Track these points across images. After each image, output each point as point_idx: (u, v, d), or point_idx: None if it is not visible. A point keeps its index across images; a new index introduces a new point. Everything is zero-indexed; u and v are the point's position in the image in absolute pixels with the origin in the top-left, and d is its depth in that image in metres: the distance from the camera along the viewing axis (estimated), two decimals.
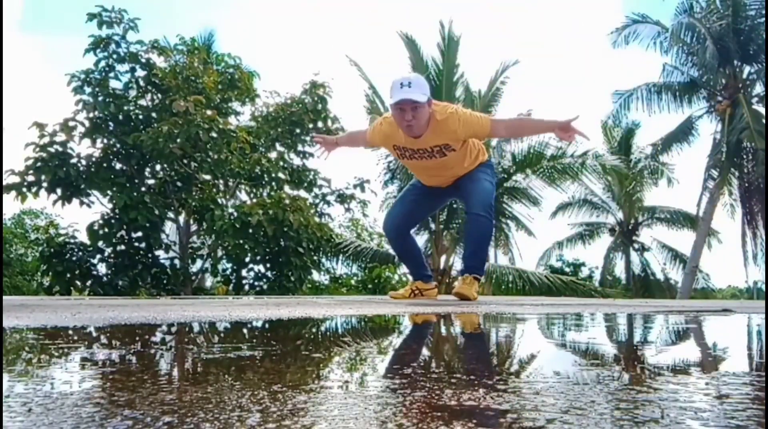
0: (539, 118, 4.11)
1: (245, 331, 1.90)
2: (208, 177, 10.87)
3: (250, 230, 9.66)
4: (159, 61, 10.73)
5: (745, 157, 18.40)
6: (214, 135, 9.64)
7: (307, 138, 11.54)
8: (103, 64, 10.28)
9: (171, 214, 11.04)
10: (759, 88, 18.11)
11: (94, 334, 1.74)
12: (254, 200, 10.93)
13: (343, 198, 11.57)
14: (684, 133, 19.27)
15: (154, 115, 10.51)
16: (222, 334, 1.80)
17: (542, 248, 24.04)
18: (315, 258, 10.81)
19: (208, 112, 9.74)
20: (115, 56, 10.31)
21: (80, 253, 10.31)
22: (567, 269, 23.55)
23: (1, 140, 7.03)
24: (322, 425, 0.66)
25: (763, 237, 18.55)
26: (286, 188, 11.22)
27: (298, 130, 11.42)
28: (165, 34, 28.99)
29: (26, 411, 0.72)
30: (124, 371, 1.07)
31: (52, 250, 10.27)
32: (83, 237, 10.40)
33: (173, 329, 1.90)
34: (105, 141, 10.39)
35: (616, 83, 52.40)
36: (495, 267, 13.76)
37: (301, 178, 11.55)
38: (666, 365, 1.18)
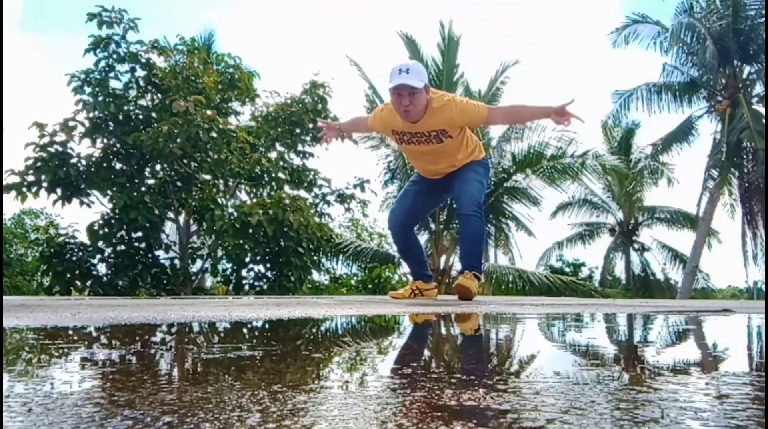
0: (535, 105, 4.12)
1: (245, 331, 1.90)
2: (208, 177, 10.87)
3: (250, 230, 9.66)
4: (159, 61, 10.73)
5: (745, 157, 18.40)
6: (214, 135, 9.64)
7: (307, 138, 11.54)
8: (103, 64, 10.28)
9: (171, 214, 11.03)
10: (759, 88, 18.11)
11: (94, 334, 1.74)
12: (254, 200, 10.93)
13: (343, 198, 11.57)
14: (684, 133, 19.27)
15: (154, 115, 10.50)
16: (222, 334, 1.80)
17: (542, 248, 24.07)
18: (315, 258, 10.81)
19: (208, 112, 9.74)
20: (115, 56, 10.30)
21: (80, 253, 10.31)
22: (567, 269, 23.54)
23: (1, 140, 7.04)
24: (322, 425, 0.66)
25: (763, 237, 18.56)
26: (286, 188, 11.21)
27: (298, 130, 11.42)
28: (165, 34, 29.02)
29: (26, 411, 0.72)
30: (124, 371, 1.07)
31: (52, 250, 10.27)
32: (83, 237, 10.41)
33: (173, 329, 1.90)
34: (105, 141, 10.38)
35: (616, 83, 52.46)
36: (495, 267, 13.76)
37: (301, 178, 11.55)
38: (666, 365, 1.18)
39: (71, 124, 9.97)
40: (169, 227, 12.00)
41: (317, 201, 11.56)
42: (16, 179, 9.51)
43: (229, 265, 11.05)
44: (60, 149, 9.83)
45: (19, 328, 1.76)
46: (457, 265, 12.60)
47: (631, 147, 21.43)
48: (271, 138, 11.40)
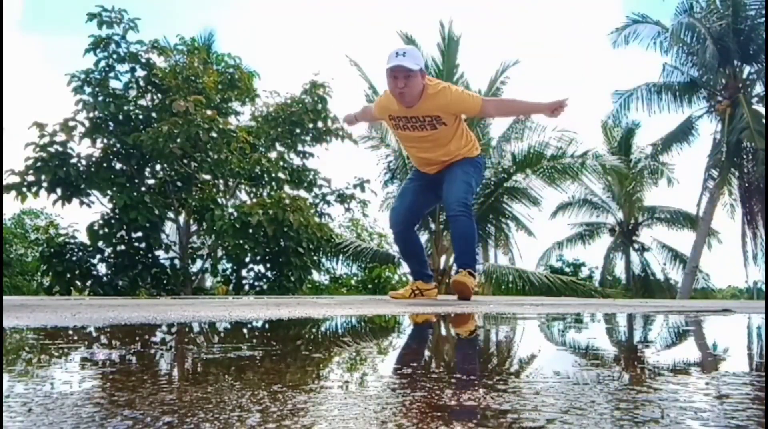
0: (529, 101, 4.19)
1: (245, 331, 1.90)
2: (208, 177, 10.86)
3: (250, 230, 9.65)
4: (159, 61, 10.72)
5: (745, 157, 18.40)
6: (214, 135, 9.63)
7: (307, 138, 11.53)
8: (103, 64, 10.27)
9: (171, 214, 11.03)
10: (759, 88, 18.11)
11: (94, 334, 1.74)
12: (254, 200, 10.92)
13: (343, 198, 11.56)
14: (684, 133, 19.27)
15: (154, 115, 10.50)
16: (222, 334, 1.80)
17: (542, 248, 24.08)
18: (315, 258, 10.80)
19: (208, 112, 9.73)
20: (115, 56, 10.29)
21: (80, 253, 10.30)
22: (567, 269, 23.56)
23: (1, 140, 7.04)
24: (322, 425, 0.66)
25: (763, 237, 18.56)
26: (286, 188, 11.20)
27: (298, 130, 11.41)
28: (165, 34, 29.02)
29: (26, 411, 0.72)
30: (124, 371, 1.07)
31: (52, 250, 10.26)
32: (83, 237, 10.40)
33: (173, 329, 1.90)
34: (105, 141, 10.37)
35: (616, 83, 52.48)
36: (495, 267, 13.75)
37: (301, 178, 11.54)
38: (666, 365, 1.18)
39: (71, 124, 9.96)
40: (169, 227, 12.00)
41: (317, 201, 11.56)
42: (16, 179, 9.51)
43: (229, 265, 11.04)
44: (60, 149, 9.82)
45: (19, 328, 1.76)
46: None
47: (631, 147, 21.43)
48: (271, 138, 11.39)
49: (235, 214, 9.76)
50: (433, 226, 13.08)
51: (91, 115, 10.09)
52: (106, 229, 10.12)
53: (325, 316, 2.30)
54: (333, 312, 2.51)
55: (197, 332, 1.84)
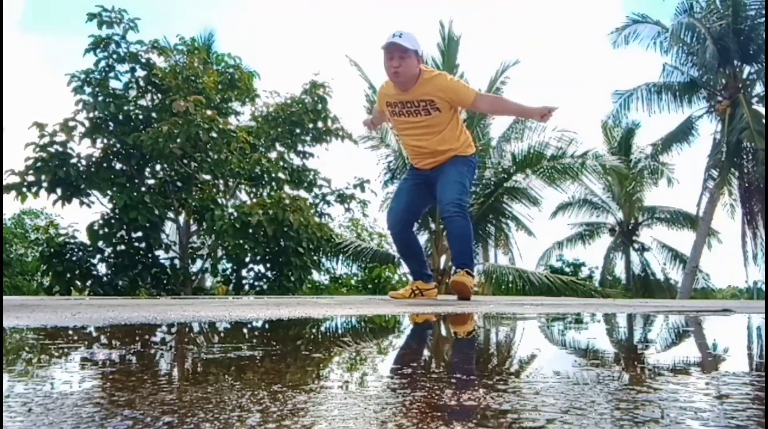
0: (521, 103, 4.30)
1: (245, 331, 1.90)
2: (208, 177, 10.86)
3: (250, 230, 9.65)
4: (159, 61, 10.71)
5: (745, 157, 18.40)
6: (214, 135, 9.63)
7: (307, 138, 11.53)
8: (103, 64, 10.26)
9: (171, 214, 11.02)
10: (759, 88, 18.12)
11: (94, 334, 1.74)
12: (254, 200, 10.91)
13: (343, 198, 11.56)
14: (684, 133, 19.27)
15: (154, 115, 10.49)
16: (222, 334, 1.80)
17: (542, 248, 24.09)
18: (315, 258, 10.80)
19: (208, 112, 9.73)
20: (115, 56, 10.29)
21: (80, 253, 10.30)
22: (567, 269, 23.56)
23: (1, 140, 7.04)
24: (322, 425, 0.66)
25: (763, 237, 18.56)
26: (286, 188, 11.20)
27: (298, 130, 11.41)
28: (165, 34, 29.03)
29: (26, 411, 0.72)
30: (124, 371, 1.07)
31: (52, 250, 10.26)
32: (83, 237, 10.39)
33: (173, 329, 1.90)
34: (105, 141, 10.36)
35: (616, 83, 52.48)
36: (495, 267, 13.75)
37: (301, 178, 11.54)
38: (666, 365, 1.18)
39: (71, 124, 9.96)
40: (169, 227, 12.00)
41: (317, 201, 11.56)
42: (16, 179, 9.50)
43: (229, 265, 11.04)
44: (60, 149, 9.82)
45: (19, 328, 1.76)
46: None
47: (631, 147, 21.44)
48: (271, 138, 11.39)
49: (235, 214, 9.76)
50: (433, 226, 13.08)
51: (91, 115, 10.09)
52: (106, 229, 10.12)
53: (325, 316, 2.30)
54: (333, 312, 2.51)
55: (197, 332, 1.84)
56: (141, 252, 10.63)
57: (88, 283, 10.26)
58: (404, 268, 12.75)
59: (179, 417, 0.69)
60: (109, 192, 10.16)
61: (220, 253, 10.74)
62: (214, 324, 2.00)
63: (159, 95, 10.66)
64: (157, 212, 10.19)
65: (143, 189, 10.52)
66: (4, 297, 5.24)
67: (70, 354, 1.29)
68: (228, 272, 11.20)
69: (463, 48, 13.43)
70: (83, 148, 10.82)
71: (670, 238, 26.11)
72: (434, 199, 4.29)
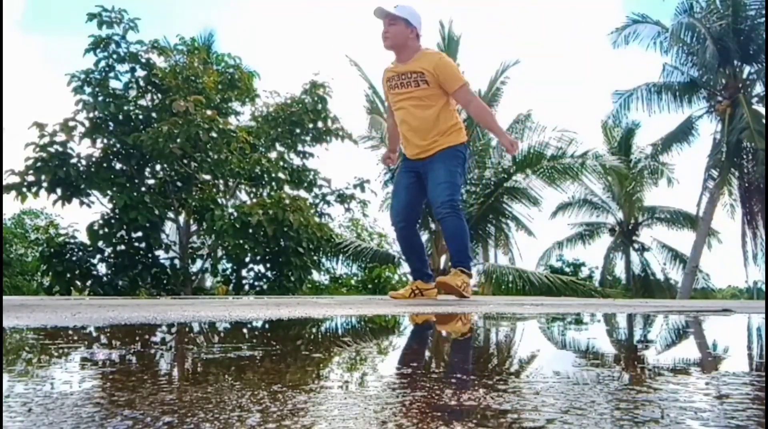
0: (498, 124, 4.54)
1: (245, 331, 1.90)
2: (208, 177, 10.86)
3: (250, 230, 9.65)
4: (159, 61, 10.72)
5: (745, 157, 18.40)
6: (214, 135, 9.63)
7: (307, 138, 11.53)
8: (103, 64, 10.27)
9: (171, 214, 11.03)
10: (759, 88, 18.11)
11: (94, 334, 1.74)
12: (254, 200, 10.92)
13: (343, 198, 11.56)
14: (684, 133, 19.27)
15: (154, 115, 10.50)
16: (222, 334, 1.80)
17: (542, 248, 24.10)
18: (315, 258, 10.80)
19: (208, 112, 9.73)
20: (115, 56, 10.29)
21: (80, 253, 10.30)
22: (567, 269, 23.55)
23: (1, 140, 7.04)
24: (322, 425, 0.66)
25: (763, 237, 18.56)
26: (286, 188, 11.20)
27: (298, 130, 11.41)
28: (165, 34, 29.03)
29: (26, 411, 0.72)
30: (124, 371, 1.07)
31: (52, 250, 10.26)
32: (83, 237, 10.40)
33: (173, 329, 1.90)
34: (105, 141, 10.37)
35: (616, 83, 52.52)
36: (495, 267, 13.75)
37: (301, 178, 11.54)
38: (666, 365, 1.18)
39: (71, 124, 9.96)
40: (169, 227, 12.00)
41: (317, 201, 11.56)
42: (16, 179, 9.51)
43: (229, 265, 11.04)
44: (60, 149, 9.82)
45: (19, 328, 1.76)
46: None
47: (631, 147, 21.44)
48: (271, 138, 11.39)
49: (235, 214, 9.76)
50: (433, 226, 13.08)
51: (91, 115, 10.09)
52: (106, 229, 10.12)
53: (325, 316, 2.30)
54: (333, 312, 2.51)
55: (197, 332, 1.84)
56: (141, 252, 10.63)
57: (88, 283, 10.26)
58: (404, 268, 12.77)
59: (179, 417, 0.69)
60: (109, 192, 10.16)
61: (220, 253, 10.74)
62: (214, 324, 2.00)
63: (159, 95, 10.66)
64: (157, 212, 10.19)
65: (143, 189, 10.52)
66: (4, 297, 5.24)
67: (70, 354, 1.29)
68: (228, 272, 11.20)
69: (463, 48, 13.48)
70: (83, 148, 10.83)
71: (670, 238, 26.14)
72: (426, 196, 4.29)
